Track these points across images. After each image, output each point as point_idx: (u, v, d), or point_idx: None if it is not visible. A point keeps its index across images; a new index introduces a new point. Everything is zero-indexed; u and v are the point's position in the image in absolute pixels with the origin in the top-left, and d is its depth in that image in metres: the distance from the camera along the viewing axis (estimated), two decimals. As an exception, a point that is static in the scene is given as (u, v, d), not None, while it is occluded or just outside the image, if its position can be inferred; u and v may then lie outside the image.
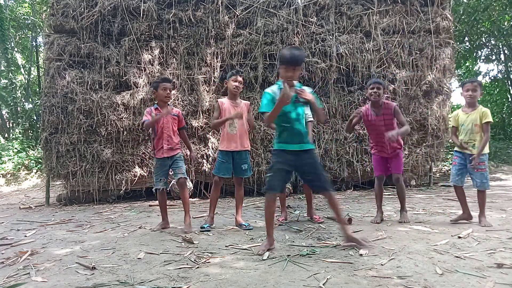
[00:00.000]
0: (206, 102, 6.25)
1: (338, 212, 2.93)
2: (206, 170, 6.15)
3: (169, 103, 3.90)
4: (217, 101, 3.94)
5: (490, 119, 3.48)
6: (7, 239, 3.64)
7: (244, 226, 3.76)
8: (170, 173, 3.98)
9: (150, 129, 3.79)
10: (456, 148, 3.72)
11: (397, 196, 3.94)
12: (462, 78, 15.22)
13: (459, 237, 3.10)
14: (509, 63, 13.54)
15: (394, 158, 3.84)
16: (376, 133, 3.84)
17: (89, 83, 6.15)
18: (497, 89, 15.52)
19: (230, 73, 3.86)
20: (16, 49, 16.13)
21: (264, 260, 2.66)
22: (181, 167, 3.83)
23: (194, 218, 4.48)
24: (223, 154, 3.80)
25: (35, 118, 13.80)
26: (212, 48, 6.37)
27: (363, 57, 6.49)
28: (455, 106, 16.04)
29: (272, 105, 2.85)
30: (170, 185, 6.05)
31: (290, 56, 2.79)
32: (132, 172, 6.14)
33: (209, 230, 3.65)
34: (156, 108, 3.76)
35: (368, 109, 3.84)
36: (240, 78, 3.82)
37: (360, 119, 3.86)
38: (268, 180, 2.92)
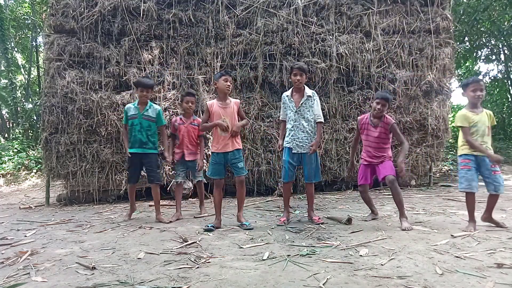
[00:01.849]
0: (206, 102, 6.24)
1: (156, 205, 4.34)
2: (206, 170, 6.14)
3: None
4: (206, 103, 3.96)
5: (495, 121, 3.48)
6: (7, 239, 3.64)
7: (245, 226, 3.77)
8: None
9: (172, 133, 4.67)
10: (466, 151, 3.46)
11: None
12: (462, 78, 15.21)
13: (459, 237, 3.10)
14: (509, 63, 13.54)
15: (381, 163, 3.80)
16: (367, 143, 3.88)
17: (89, 83, 6.15)
18: (497, 89, 15.51)
19: (219, 73, 3.85)
20: (16, 49, 16.13)
21: (264, 260, 2.66)
22: (199, 171, 4.68)
23: (195, 218, 4.48)
24: (215, 156, 3.82)
25: (35, 118, 13.81)
26: (212, 48, 6.37)
27: (363, 57, 6.49)
28: (455, 106, 16.06)
29: (126, 119, 4.29)
30: (170, 185, 6.12)
31: (145, 81, 4.25)
32: (132, 172, 6.13)
33: (211, 230, 3.66)
34: (181, 119, 4.58)
35: (367, 118, 3.90)
36: (230, 78, 3.87)
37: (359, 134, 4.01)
38: (128, 176, 4.49)
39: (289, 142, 3.94)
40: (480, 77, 15.27)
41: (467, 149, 3.45)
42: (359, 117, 4.07)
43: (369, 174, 3.92)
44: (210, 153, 4.03)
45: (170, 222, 4.14)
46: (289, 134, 3.97)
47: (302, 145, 3.92)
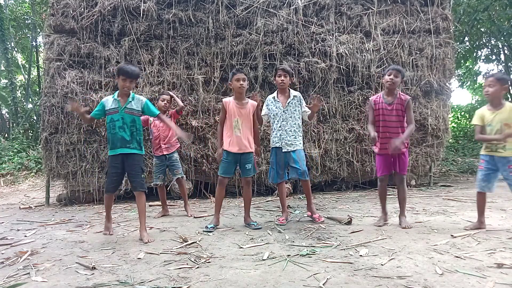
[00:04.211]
0: (206, 102, 6.25)
1: (141, 218, 3.52)
2: (206, 170, 6.15)
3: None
4: (221, 101, 3.94)
5: None
6: (7, 239, 3.64)
7: (253, 225, 3.77)
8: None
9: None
10: (482, 152, 3.44)
11: (397, 197, 3.80)
12: (462, 78, 15.19)
13: (459, 237, 3.10)
14: (509, 63, 13.53)
15: (399, 157, 3.60)
16: (383, 124, 3.61)
17: (89, 83, 6.14)
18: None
19: (231, 73, 3.86)
20: (16, 49, 16.12)
21: (264, 260, 2.66)
22: (178, 168, 4.66)
23: (195, 218, 4.48)
24: (227, 154, 3.79)
25: (35, 118, 13.80)
26: (212, 48, 6.37)
27: (363, 57, 6.49)
28: (455, 106, 16.05)
29: (101, 113, 3.55)
30: (170, 185, 6.12)
31: (129, 69, 3.45)
32: (132, 172, 6.13)
33: (211, 231, 3.66)
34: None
35: (380, 97, 3.65)
36: (241, 76, 3.76)
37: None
38: (106, 185, 3.68)
39: (278, 142, 3.97)
40: (480, 77, 15.26)
41: (483, 149, 3.44)
42: (371, 98, 3.75)
43: (389, 164, 3.66)
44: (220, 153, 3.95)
45: (148, 242, 3.31)
46: (276, 134, 3.99)
47: (291, 143, 3.95)
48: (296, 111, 4.03)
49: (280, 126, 3.97)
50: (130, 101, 3.52)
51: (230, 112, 3.78)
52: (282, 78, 3.95)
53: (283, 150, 3.95)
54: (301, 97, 4.12)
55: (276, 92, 4.11)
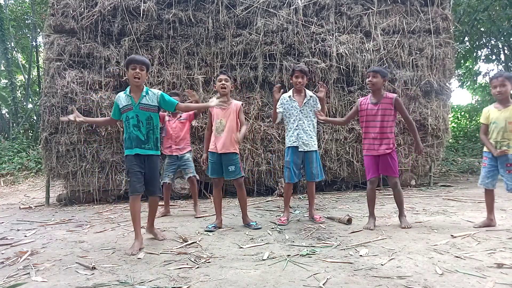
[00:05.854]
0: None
1: (151, 217, 3.42)
2: (205, 168, 6.14)
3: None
4: None
5: None
6: (7, 239, 3.64)
7: (253, 226, 3.77)
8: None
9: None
10: (485, 149, 3.51)
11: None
12: (462, 78, 15.19)
13: (459, 237, 3.10)
14: (509, 63, 13.52)
15: (388, 159, 3.56)
16: (368, 124, 3.65)
17: (89, 83, 6.14)
18: (497, 89, 15.43)
19: (216, 75, 3.90)
20: (16, 49, 16.12)
21: (264, 260, 2.66)
22: (190, 167, 4.65)
23: (195, 218, 4.48)
24: (211, 155, 3.83)
25: (35, 118, 13.80)
26: (212, 48, 6.37)
27: (363, 57, 6.49)
28: (455, 106, 16.05)
29: (117, 112, 3.26)
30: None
31: (136, 56, 3.22)
32: (132, 172, 6.13)
33: (212, 231, 3.65)
34: (169, 115, 4.71)
35: (367, 98, 3.75)
36: (223, 76, 3.78)
37: (356, 113, 3.84)
38: (131, 184, 3.19)
39: (295, 141, 3.97)
40: (480, 77, 15.26)
41: (486, 147, 3.52)
42: (359, 99, 3.89)
43: (377, 166, 3.65)
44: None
45: (164, 239, 3.40)
46: (293, 133, 3.99)
47: (308, 143, 3.97)
48: (312, 111, 4.05)
49: (297, 126, 3.98)
50: (144, 96, 3.19)
51: (214, 113, 3.81)
52: (300, 79, 3.97)
53: (299, 150, 3.96)
54: (316, 98, 4.10)
55: (291, 91, 4.10)
